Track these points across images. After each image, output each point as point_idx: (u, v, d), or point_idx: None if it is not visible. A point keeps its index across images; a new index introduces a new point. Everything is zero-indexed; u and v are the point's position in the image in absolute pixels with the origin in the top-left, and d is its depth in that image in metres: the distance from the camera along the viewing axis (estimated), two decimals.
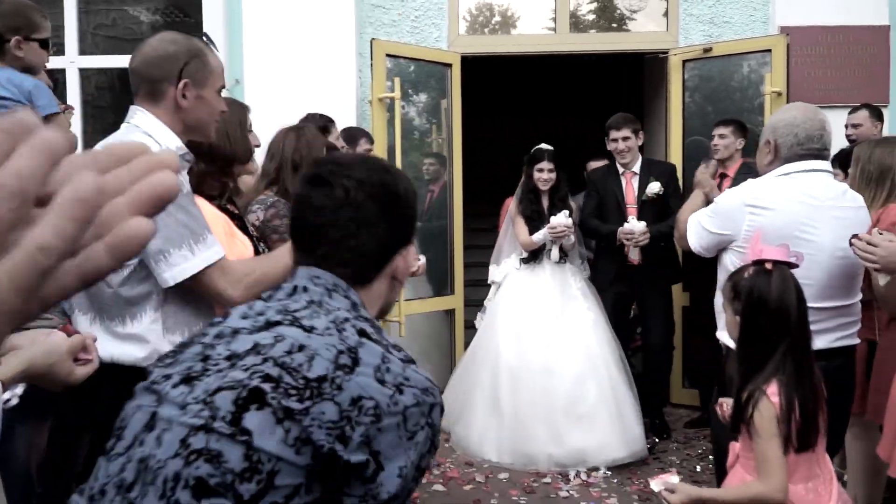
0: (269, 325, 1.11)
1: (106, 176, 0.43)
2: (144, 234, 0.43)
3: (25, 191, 0.39)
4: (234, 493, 0.98)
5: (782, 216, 2.46)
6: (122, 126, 2.00)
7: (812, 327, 2.11)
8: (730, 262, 2.55)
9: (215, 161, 2.26)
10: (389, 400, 1.03)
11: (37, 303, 0.41)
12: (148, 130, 1.91)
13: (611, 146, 4.60)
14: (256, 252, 2.25)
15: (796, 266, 2.07)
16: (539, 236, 4.48)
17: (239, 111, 2.38)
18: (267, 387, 1.01)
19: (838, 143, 4.27)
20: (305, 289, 1.17)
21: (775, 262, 2.04)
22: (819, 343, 2.39)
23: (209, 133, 2.05)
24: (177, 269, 1.80)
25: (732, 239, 2.55)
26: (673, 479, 2.04)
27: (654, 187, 4.46)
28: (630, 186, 4.59)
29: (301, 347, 1.06)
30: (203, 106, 1.96)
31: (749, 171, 4.36)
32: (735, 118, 4.77)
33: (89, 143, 4.86)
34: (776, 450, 1.94)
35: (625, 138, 4.52)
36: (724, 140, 4.58)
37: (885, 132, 4.67)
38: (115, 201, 0.43)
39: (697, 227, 2.69)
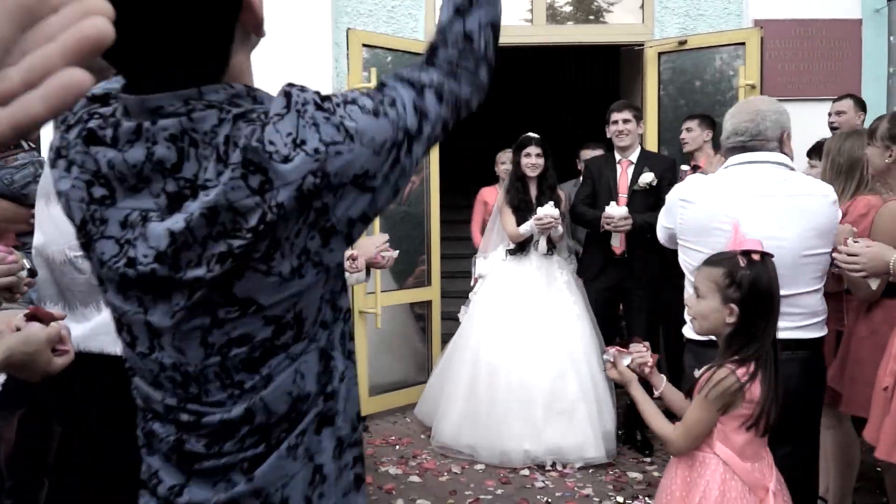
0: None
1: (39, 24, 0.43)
2: (80, 85, 0.42)
3: None
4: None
5: (700, 209, 2.53)
6: None
7: None
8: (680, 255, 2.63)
9: None
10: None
11: None
12: None
13: (611, 129, 4.57)
14: None
15: (773, 256, 2.10)
16: (526, 228, 4.43)
17: None
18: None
19: (819, 133, 4.34)
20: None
21: (762, 254, 2.06)
22: None
23: None
24: None
25: (675, 231, 2.64)
26: (625, 359, 2.21)
27: (647, 177, 4.45)
28: (625, 175, 4.57)
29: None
30: None
31: (720, 163, 4.41)
32: (702, 112, 4.84)
33: None
34: (709, 424, 2.03)
35: (625, 120, 4.51)
36: (691, 133, 4.69)
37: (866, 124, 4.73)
38: (46, 48, 0.42)
39: (658, 223, 2.79)
